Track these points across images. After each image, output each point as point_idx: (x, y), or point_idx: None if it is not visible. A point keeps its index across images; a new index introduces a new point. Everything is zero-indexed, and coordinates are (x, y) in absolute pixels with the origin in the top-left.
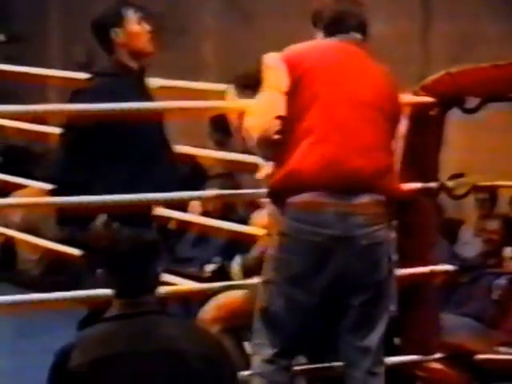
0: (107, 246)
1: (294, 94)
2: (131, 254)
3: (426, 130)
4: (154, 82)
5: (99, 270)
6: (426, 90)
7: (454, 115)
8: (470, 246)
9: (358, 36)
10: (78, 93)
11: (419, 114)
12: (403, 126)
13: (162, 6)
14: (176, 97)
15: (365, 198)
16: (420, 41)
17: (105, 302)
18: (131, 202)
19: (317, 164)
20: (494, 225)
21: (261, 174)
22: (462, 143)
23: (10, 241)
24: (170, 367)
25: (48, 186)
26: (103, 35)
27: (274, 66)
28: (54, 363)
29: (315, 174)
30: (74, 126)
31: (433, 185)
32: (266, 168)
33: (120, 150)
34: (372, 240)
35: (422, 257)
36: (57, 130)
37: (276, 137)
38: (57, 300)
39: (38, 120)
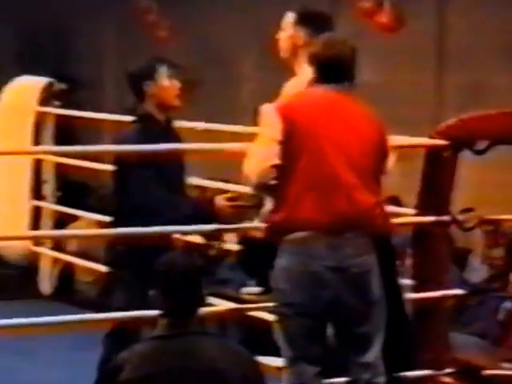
0: (163, 271)
1: (287, 144)
2: (183, 279)
3: (440, 170)
4: (196, 125)
5: (151, 292)
6: (440, 134)
7: (465, 156)
8: (478, 272)
9: (347, 84)
10: (118, 136)
11: (434, 155)
12: (391, 162)
13: (207, 58)
14: (215, 139)
15: (352, 234)
16: (434, 89)
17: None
18: (164, 232)
19: (309, 210)
20: (498, 253)
21: (264, 210)
22: (471, 181)
23: (68, 265)
24: (211, 383)
25: (99, 217)
26: (136, 85)
27: (270, 118)
28: (107, 374)
29: (308, 218)
30: (118, 163)
31: (446, 218)
32: (268, 204)
33: (151, 181)
34: (361, 268)
35: (437, 281)
36: (109, 167)
37: (272, 182)
38: (110, 319)
39: (93, 158)
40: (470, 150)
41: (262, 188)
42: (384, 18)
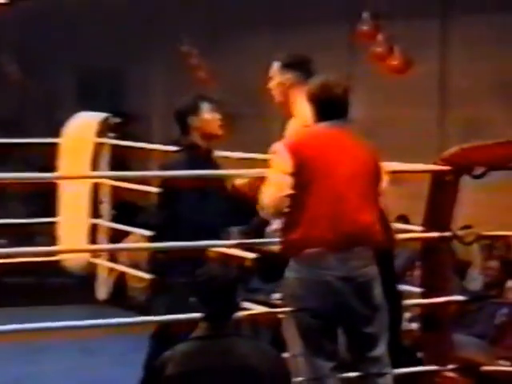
0: (203, 281)
1: (297, 175)
2: (221, 289)
3: (443, 192)
4: (233, 155)
5: (192, 299)
6: (444, 161)
7: (465, 180)
8: (476, 281)
9: (343, 120)
10: (165, 163)
11: (438, 179)
12: (384, 183)
13: (242, 96)
14: (249, 166)
15: (357, 248)
16: (437, 122)
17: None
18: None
19: (321, 231)
20: (494, 264)
21: (272, 228)
22: (470, 201)
23: (121, 274)
24: (244, 379)
25: (146, 232)
26: (182, 120)
27: (281, 153)
28: (154, 370)
29: (320, 237)
30: (165, 186)
31: (448, 234)
32: (276, 223)
33: (190, 203)
34: (366, 278)
35: (441, 288)
36: (156, 190)
37: (285, 210)
38: (156, 321)
39: (141, 182)
40: (469, 174)
41: (277, 215)
42: (394, 61)
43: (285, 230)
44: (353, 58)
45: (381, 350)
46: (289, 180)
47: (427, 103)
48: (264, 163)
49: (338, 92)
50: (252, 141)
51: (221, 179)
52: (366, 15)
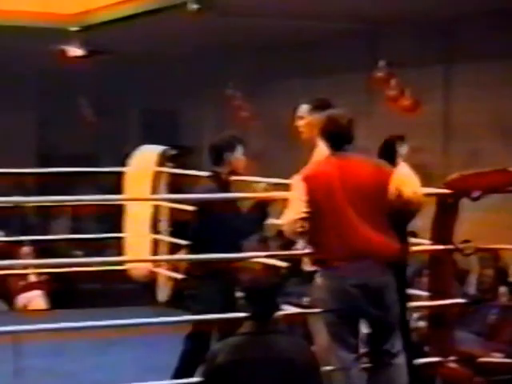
0: (248, 287)
1: (312, 202)
2: (263, 293)
3: (446, 212)
4: (262, 180)
5: (241, 301)
6: (447, 186)
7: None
8: (474, 287)
9: (351, 148)
10: (198, 189)
11: (442, 201)
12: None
13: (276, 133)
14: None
15: (369, 261)
16: (442, 153)
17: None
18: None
19: (337, 249)
20: (489, 273)
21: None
22: (469, 220)
23: (178, 280)
24: (283, 369)
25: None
26: (218, 153)
27: (297, 184)
28: (208, 360)
29: (337, 254)
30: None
31: (450, 247)
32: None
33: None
34: (377, 285)
35: (445, 293)
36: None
37: (300, 230)
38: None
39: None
40: (468, 197)
41: (293, 234)
42: (405, 102)
43: (311, 247)
44: (371, 100)
45: (394, 343)
46: (304, 205)
47: (433, 137)
48: (286, 187)
49: (343, 123)
50: (283, 172)
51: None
52: (381, 63)
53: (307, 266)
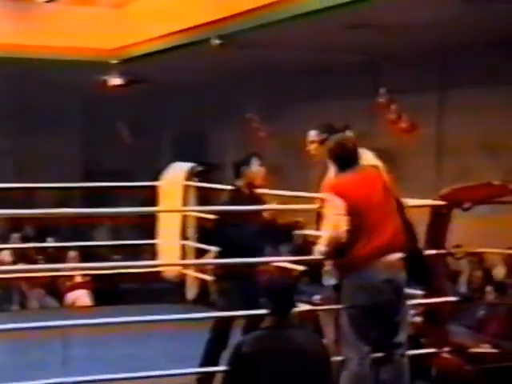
0: (268, 287)
1: (351, 214)
2: (281, 292)
3: (440, 221)
4: (278, 192)
5: (262, 299)
6: (440, 198)
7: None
8: (464, 286)
9: (358, 165)
10: (219, 201)
11: (436, 211)
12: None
13: (290, 151)
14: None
15: (392, 258)
16: (435, 169)
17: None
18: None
19: (372, 251)
20: (477, 274)
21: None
22: (460, 227)
23: (204, 280)
24: (299, 359)
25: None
26: (236, 168)
27: (332, 199)
28: (233, 350)
29: (369, 257)
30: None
31: (443, 251)
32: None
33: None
34: (401, 280)
35: (439, 291)
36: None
37: (344, 240)
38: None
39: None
40: (459, 208)
41: (337, 245)
42: (403, 124)
43: (345, 250)
44: (373, 123)
45: (402, 337)
46: (344, 219)
47: (427, 155)
48: (300, 199)
49: (349, 146)
50: (296, 185)
51: (260, 213)
52: (382, 90)
53: (327, 281)
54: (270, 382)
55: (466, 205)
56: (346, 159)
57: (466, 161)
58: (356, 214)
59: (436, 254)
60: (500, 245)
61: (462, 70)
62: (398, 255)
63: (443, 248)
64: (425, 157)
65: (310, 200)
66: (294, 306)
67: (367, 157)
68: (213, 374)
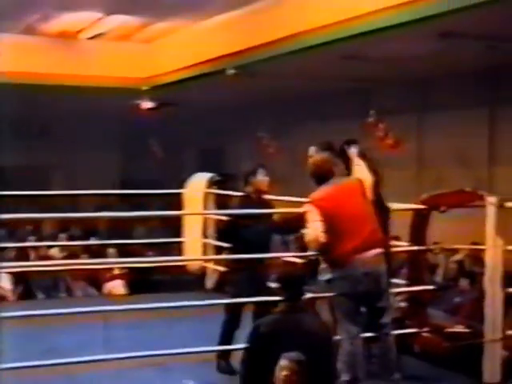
0: (281, 277)
1: (326, 219)
2: (293, 282)
3: (421, 221)
4: (283, 198)
5: (276, 287)
6: (421, 202)
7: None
8: (441, 277)
9: (334, 179)
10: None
11: (417, 214)
12: None
13: (294, 163)
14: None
15: (371, 253)
16: (416, 179)
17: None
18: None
19: (350, 249)
20: (452, 267)
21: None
22: (438, 227)
23: (222, 272)
24: (307, 339)
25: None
26: (245, 178)
27: (311, 210)
28: (252, 330)
29: (354, 251)
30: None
31: (424, 247)
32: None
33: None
34: (379, 271)
35: (420, 281)
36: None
37: (323, 240)
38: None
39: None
40: (437, 210)
41: (318, 244)
42: (389, 141)
43: (328, 249)
44: (364, 141)
45: (387, 319)
46: (320, 224)
47: (409, 166)
48: (300, 204)
49: (323, 166)
50: (299, 189)
51: (266, 215)
52: (372, 112)
53: (322, 276)
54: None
55: (442, 208)
56: (320, 177)
57: (442, 171)
58: (331, 220)
59: (417, 250)
60: (468, 241)
61: (438, 96)
62: (375, 251)
63: (423, 245)
64: (407, 168)
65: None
66: (303, 294)
67: (362, 172)
68: (230, 350)
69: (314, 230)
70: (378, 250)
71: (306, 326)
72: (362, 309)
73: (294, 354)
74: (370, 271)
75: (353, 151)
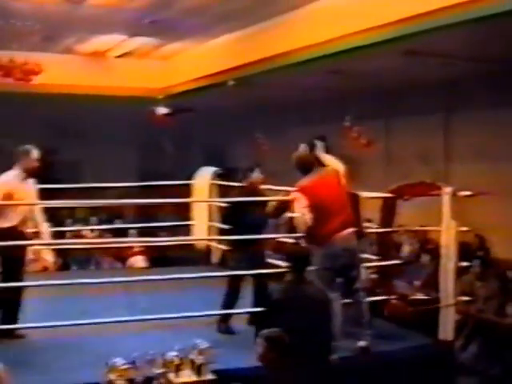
0: (291, 252)
1: (311, 204)
2: (301, 259)
3: (389, 208)
4: (280, 188)
5: (284, 261)
6: (389, 191)
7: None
8: (406, 254)
9: (317, 170)
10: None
11: (386, 201)
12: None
13: (286, 161)
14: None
15: (347, 232)
16: (384, 174)
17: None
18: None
19: (331, 229)
20: (414, 245)
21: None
22: (402, 213)
23: (225, 250)
24: (312, 305)
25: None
26: (244, 173)
27: (297, 196)
28: (266, 297)
29: (330, 231)
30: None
31: (390, 229)
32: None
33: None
34: (353, 247)
35: (388, 256)
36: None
37: (309, 222)
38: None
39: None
40: (401, 199)
41: (304, 225)
42: (362, 141)
43: (313, 230)
44: (341, 142)
45: (359, 285)
46: (305, 208)
47: (379, 162)
48: (288, 192)
49: (303, 159)
50: (289, 182)
51: (260, 202)
52: (347, 118)
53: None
54: (292, 320)
55: (406, 197)
56: (303, 168)
57: (406, 166)
58: (315, 205)
59: (386, 231)
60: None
61: (402, 104)
62: (349, 231)
63: (390, 227)
64: (377, 163)
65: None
66: (307, 268)
67: (331, 162)
68: (230, 314)
69: (302, 214)
70: (352, 229)
71: (312, 294)
72: (338, 279)
73: (267, 331)
74: (347, 247)
75: (319, 146)
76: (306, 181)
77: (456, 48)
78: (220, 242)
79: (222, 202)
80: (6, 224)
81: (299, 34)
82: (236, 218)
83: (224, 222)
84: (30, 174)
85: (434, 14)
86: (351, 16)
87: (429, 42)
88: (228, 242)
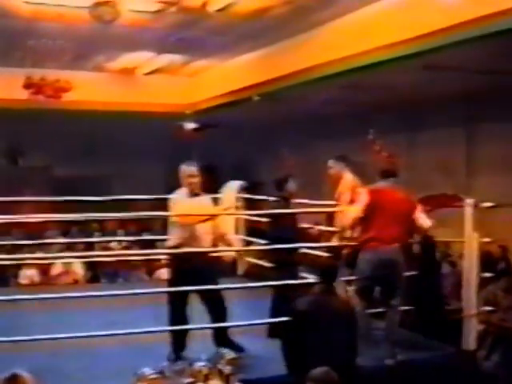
0: (322, 264)
1: (369, 205)
2: (330, 271)
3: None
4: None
5: (314, 274)
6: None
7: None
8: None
9: (392, 180)
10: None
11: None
12: (419, 219)
13: (312, 175)
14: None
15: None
16: (405, 185)
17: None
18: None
19: (379, 236)
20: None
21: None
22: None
23: (251, 264)
24: (338, 316)
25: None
26: (280, 185)
27: (363, 194)
28: (292, 307)
29: (379, 240)
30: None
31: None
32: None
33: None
34: (397, 260)
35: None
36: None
37: (358, 217)
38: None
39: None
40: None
41: (354, 226)
42: (385, 154)
43: (361, 234)
44: (365, 155)
45: (396, 302)
46: (363, 207)
47: (401, 176)
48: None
49: (386, 168)
50: (315, 195)
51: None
52: (370, 131)
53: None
54: (317, 331)
55: (429, 208)
56: (383, 174)
57: (428, 177)
58: (371, 209)
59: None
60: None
61: (423, 117)
62: (396, 244)
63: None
64: (399, 176)
65: (326, 206)
66: (335, 280)
67: (349, 178)
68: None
69: (357, 208)
70: (398, 244)
71: (337, 306)
72: (376, 288)
73: (318, 373)
74: (390, 258)
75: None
76: (375, 185)
77: (476, 61)
78: (247, 254)
79: (254, 215)
80: None
81: (321, 51)
82: (276, 233)
83: (255, 236)
84: None
85: (452, 29)
86: (372, 32)
87: (449, 56)
88: (269, 257)
